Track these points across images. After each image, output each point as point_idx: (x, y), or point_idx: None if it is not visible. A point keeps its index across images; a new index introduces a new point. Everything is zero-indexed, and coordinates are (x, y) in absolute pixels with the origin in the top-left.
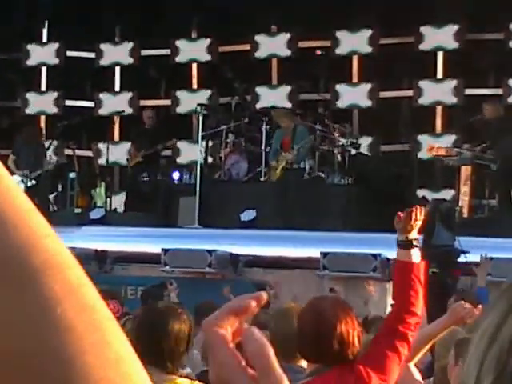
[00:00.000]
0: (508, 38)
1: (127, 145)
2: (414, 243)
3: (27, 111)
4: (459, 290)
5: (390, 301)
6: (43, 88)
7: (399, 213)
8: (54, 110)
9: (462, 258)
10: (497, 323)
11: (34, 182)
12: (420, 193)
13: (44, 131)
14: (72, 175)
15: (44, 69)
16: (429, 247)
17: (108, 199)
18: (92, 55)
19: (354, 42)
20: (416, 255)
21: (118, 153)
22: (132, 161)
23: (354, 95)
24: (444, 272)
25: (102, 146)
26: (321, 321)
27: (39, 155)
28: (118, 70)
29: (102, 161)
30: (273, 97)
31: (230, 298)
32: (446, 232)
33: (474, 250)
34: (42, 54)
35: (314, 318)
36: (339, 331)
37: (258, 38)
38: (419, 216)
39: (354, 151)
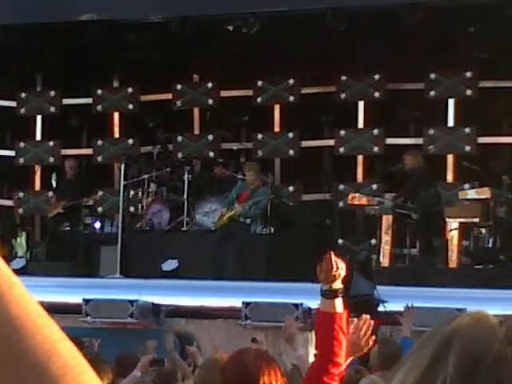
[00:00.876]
0: (428, 87)
1: (48, 194)
2: (338, 293)
3: None
4: (381, 340)
5: (312, 350)
6: None
7: (319, 264)
8: None
9: (381, 308)
10: (425, 367)
11: None
12: (341, 242)
13: None
14: None
15: None
16: (347, 297)
17: (29, 249)
18: (13, 104)
19: (275, 90)
20: (339, 305)
21: (39, 202)
22: (52, 211)
23: (275, 144)
24: None
25: (22, 195)
26: (244, 374)
27: None
28: (39, 118)
29: (22, 210)
30: (194, 146)
31: (153, 353)
32: (364, 281)
33: (395, 299)
34: None
35: (238, 370)
36: (263, 383)
37: (180, 86)
38: (339, 263)
39: (276, 200)
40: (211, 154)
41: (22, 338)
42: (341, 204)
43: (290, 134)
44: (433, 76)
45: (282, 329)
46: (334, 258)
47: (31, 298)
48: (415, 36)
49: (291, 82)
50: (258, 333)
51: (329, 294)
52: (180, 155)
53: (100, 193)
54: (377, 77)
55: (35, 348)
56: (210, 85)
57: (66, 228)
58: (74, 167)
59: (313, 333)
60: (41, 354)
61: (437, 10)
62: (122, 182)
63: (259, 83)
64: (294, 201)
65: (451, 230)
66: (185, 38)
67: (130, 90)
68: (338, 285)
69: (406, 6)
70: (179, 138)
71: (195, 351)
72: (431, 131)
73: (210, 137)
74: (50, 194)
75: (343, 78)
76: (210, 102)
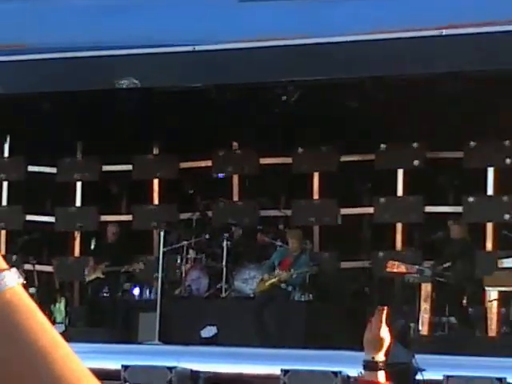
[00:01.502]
0: (467, 156)
1: (87, 260)
2: (381, 366)
3: None
4: None
5: None
6: (4, 202)
7: (369, 320)
8: (15, 224)
9: (419, 376)
10: None
11: None
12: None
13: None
14: (32, 290)
15: (5, 183)
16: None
17: (68, 315)
18: (53, 170)
19: (314, 158)
20: (382, 378)
21: (78, 268)
22: (91, 275)
23: (314, 212)
24: None
25: (61, 260)
26: None
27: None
28: (79, 185)
29: (61, 276)
30: (233, 213)
31: None
32: (402, 349)
33: (434, 368)
34: (4, 168)
35: None
36: None
37: (219, 154)
38: (385, 328)
39: (315, 268)
40: (250, 221)
41: None
42: (379, 272)
43: (329, 201)
44: (472, 144)
45: None
46: (384, 317)
47: (76, 359)
48: (454, 104)
49: (330, 149)
50: None
51: (371, 366)
52: (219, 222)
53: (141, 263)
54: (415, 145)
55: None
56: (248, 152)
57: (105, 294)
58: (115, 233)
59: None
60: None
61: (476, 80)
62: (162, 249)
63: (298, 150)
64: (332, 268)
65: (490, 298)
66: (224, 105)
67: (168, 156)
68: (380, 357)
69: (444, 76)
70: (218, 205)
71: None
72: (471, 199)
73: (249, 204)
74: (90, 259)
75: (382, 146)
76: (249, 169)
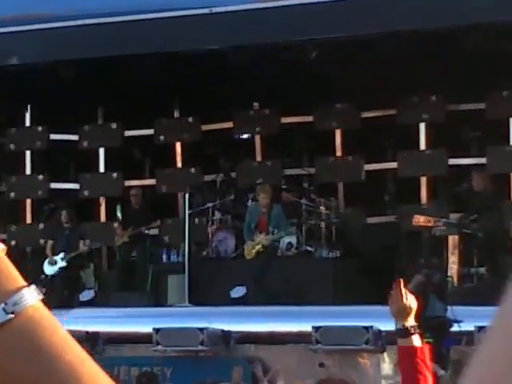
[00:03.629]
0: (488, 107)
1: (114, 225)
2: (413, 331)
3: (12, 195)
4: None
5: (383, 373)
6: (28, 172)
7: (389, 293)
8: (39, 192)
9: (455, 328)
10: None
11: (64, 263)
12: (408, 263)
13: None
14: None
15: (28, 152)
16: (423, 319)
17: (97, 280)
18: (75, 138)
19: (335, 116)
20: (417, 341)
21: (105, 233)
22: (118, 241)
23: (338, 169)
24: (438, 342)
25: (89, 226)
26: None
27: (73, 239)
28: (101, 151)
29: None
30: (257, 173)
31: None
32: (438, 303)
33: (464, 320)
34: (26, 137)
35: None
36: None
37: (240, 115)
38: (408, 295)
39: (340, 224)
40: (274, 180)
41: None
42: (406, 226)
43: (352, 158)
44: (493, 95)
45: None
46: (402, 287)
47: (102, 372)
48: (473, 57)
49: (351, 106)
50: (327, 357)
51: (404, 333)
52: (243, 182)
53: (158, 221)
54: (434, 98)
55: None
56: (268, 112)
57: (133, 258)
58: (137, 195)
59: (384, 354)
60: None
61: (495, 31)
62: (187, 211)
63: (320, 108)
64: (358, 224)
65: None
66: (243, 67)
67: (190, 119)
68: (411, 322)
69: (463, 28)
70: (241, 166)
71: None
72: (494, 150)
73: (272, 163)
74: (115, 225)
75: (403, 100)
76: (271, 129)
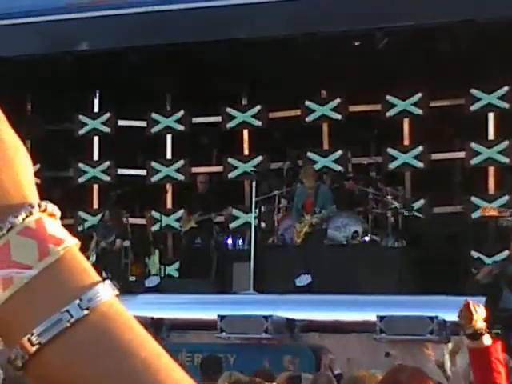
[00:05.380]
0: None
1: (180, 212)
2: (483, 332)
3: (80, 180)
4: None
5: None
6: (95, 157)
7: (460, 310)
8: (107, 178)
9: None
10: None
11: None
12: (474, 254)
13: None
14: (126, 243)
15: (96, 138)
16: (495, 310)
17: (162, 267)
18: (143, 124)
19: (403, 104)
20: (487, 340)
21: (171, 220)
22: (185, 226)
23: (404, 158)
24: (508, 333)
25: (155, 213)
26: None
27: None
28: (169, 137)
29: (155, 228)
30: (323, 161)
31: (290, 368)
32: (511, 295)
33: None
34: (94, 123)
35: None
36: None
37: (308, 103)
38: (478, 308)
39: (407, 213)
40: (341, 168)
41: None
42: (473, 216)
43: (420, 148)
44: None
45: None
46: (472, 305)
47: (178, 367)
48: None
49: (419, 95)
50: (392, 346)
51: (474, 336)
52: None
53: (230, 208)
54: (506, 88)
55: None
56: (337, 100)
57: (198, 245)
58: (204, 182)
59: (448, 345)
60: None
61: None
62: (254, 199)
63: (387, 97)
64: (425, 214)
65: None
66: (311, 54)
67: (258, 107)
68: (479, 324)
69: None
70: (308, 154)
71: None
72: None
73: (340, 152)
74: (182, 211)
75: (472, 90)
76: (339, 116)
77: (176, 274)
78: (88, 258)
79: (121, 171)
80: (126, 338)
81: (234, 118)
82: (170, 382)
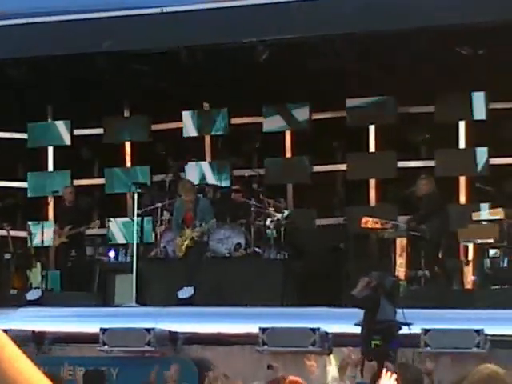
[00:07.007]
0: (439, 110)
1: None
2: None
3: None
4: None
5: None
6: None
7: None
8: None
9: (405, 330)
10: None
11: None
12: (355, 266)
13: None
14: (7, 256)
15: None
16: (373, 322)
17: (43, 279)
18: (24, 136)
19: (285, 117)
20: None
21: (50, 233)
22: (56, 240)
23: (286, 170)
24: (387, 344)
25: (36, 226)
26: None
27: None
28: (50, 150)
29: (36, 241)
30: (206, 173)
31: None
32: (390, 306)
33: (412, 322)
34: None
35: None
36: None
37: (189, 115)
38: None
39: (289, 226)
40: (223, 181)
41: None
42: (354, 228)
43: (302, 159)
44: (443, 98)
45: None
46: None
47: (23, 356)
48: (424, 59)
49: (301, 107)
50: (275, 358)
51: None
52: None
53: (97, 221)
54: (387, 100)
55: None
56: (220, 112)
57: (78, 258)
58: (72, 193)
59: (330, 356)
60: None
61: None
62: (136, 211)
63: (268, 110)
64: (307, 225)
65: (466, 251)
66: (194, 67)
67: (140, 119)
68: None
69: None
70: (191, 165)
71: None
72: (443, 153)
73: (220, 164)
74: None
75: (353, 102)
76: (221, 129)
77: (58, 287)
78: None
79: (0, 183)
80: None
81: (116, 129)
82: (12, 370)
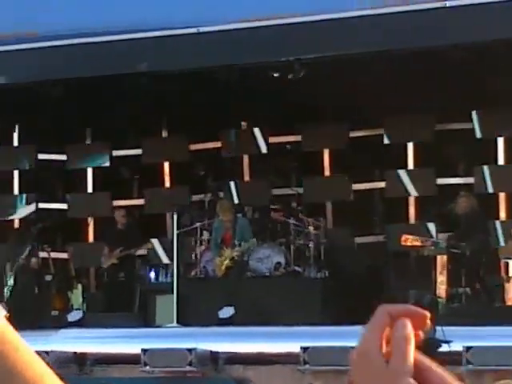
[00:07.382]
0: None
1: (101, 245)
2: None
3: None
4: None
5: None
6: (16, 191)
7: None
8: (27, 213)
9: (444, 348)
10: None
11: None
12: (396, 284)
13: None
14: (48, 278)
15: (16, 172)
16: None
17: (85, 301)
18: (63, 157)
19: (324, 136)
20: None
21: (93, 254)
22: (106, 262)
23: (326, 188)
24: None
25: (76, 247)
26: None
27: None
28: (90, 171)
29: (77, 262)
30: (245, 193)
31: None
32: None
33: (452, 339)
34: (14, 157)
35: None
36: None
37: (227, 134)
38: None
39: (328, 244)
40: (262, 200)
41: None
42: (394, 246)
43: (341, 178)
44: (479, 114)
45: None
46: None
47: (38, 359)
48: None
49: (339, 126)
50: (316, 377)
51: None
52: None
53: (152, 241)
54: (425, 117)
55: None
56: (257, 131)
57: (121, 278)
58: (125, 216)
59: None
60: None
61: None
62: (176, 231)
63: (308, 128)
64: (346, 244)
65: (506, 267)
66: (231, 86)
67: (178, 139)
68: None
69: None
70: (230, 185)
71: None
72: (483, 169)
73: (261, 183)
74: (104, 246)
75: (390, 120)
76: (259, 148)
77: (99, 308)
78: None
79: (41, 205)
80: (11, 360)
81: (154, 150)
82: (26, 373)
